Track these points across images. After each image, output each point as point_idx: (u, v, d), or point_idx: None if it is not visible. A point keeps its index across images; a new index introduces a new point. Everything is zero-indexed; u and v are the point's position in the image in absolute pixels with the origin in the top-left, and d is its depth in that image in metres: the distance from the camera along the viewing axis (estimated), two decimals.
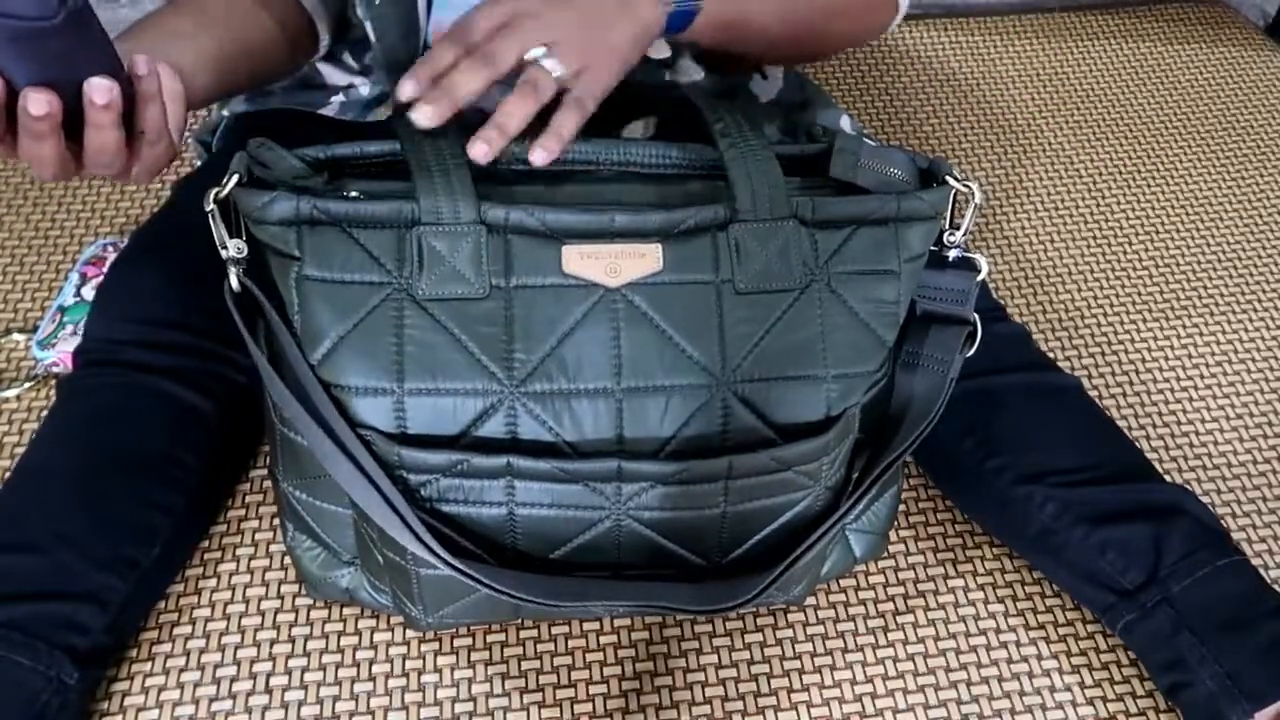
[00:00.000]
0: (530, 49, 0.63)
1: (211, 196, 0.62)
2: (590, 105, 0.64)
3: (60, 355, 0.94)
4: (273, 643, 0.80)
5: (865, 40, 0.87)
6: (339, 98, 0.87)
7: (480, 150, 0.62)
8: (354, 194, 0.63)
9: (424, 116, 0.62)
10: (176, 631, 0.81)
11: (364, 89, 0.86)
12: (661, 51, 0.70)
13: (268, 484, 0.90)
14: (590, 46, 0.64)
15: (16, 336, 1.00)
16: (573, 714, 0.78)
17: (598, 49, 0.64)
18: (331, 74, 0.88)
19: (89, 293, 0.96)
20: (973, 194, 0.68)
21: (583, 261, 0.64)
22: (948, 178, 0.69)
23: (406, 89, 0.62)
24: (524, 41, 0.63)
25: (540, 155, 0.63)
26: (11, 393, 0.95)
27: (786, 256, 0.66)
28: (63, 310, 0.97)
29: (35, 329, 0.99)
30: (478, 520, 0.66)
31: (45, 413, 0.81)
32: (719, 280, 0.65)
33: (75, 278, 0.99)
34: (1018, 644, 0.83)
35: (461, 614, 0.73)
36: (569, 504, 0.65)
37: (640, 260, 0.64)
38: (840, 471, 0.69)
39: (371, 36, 0.81)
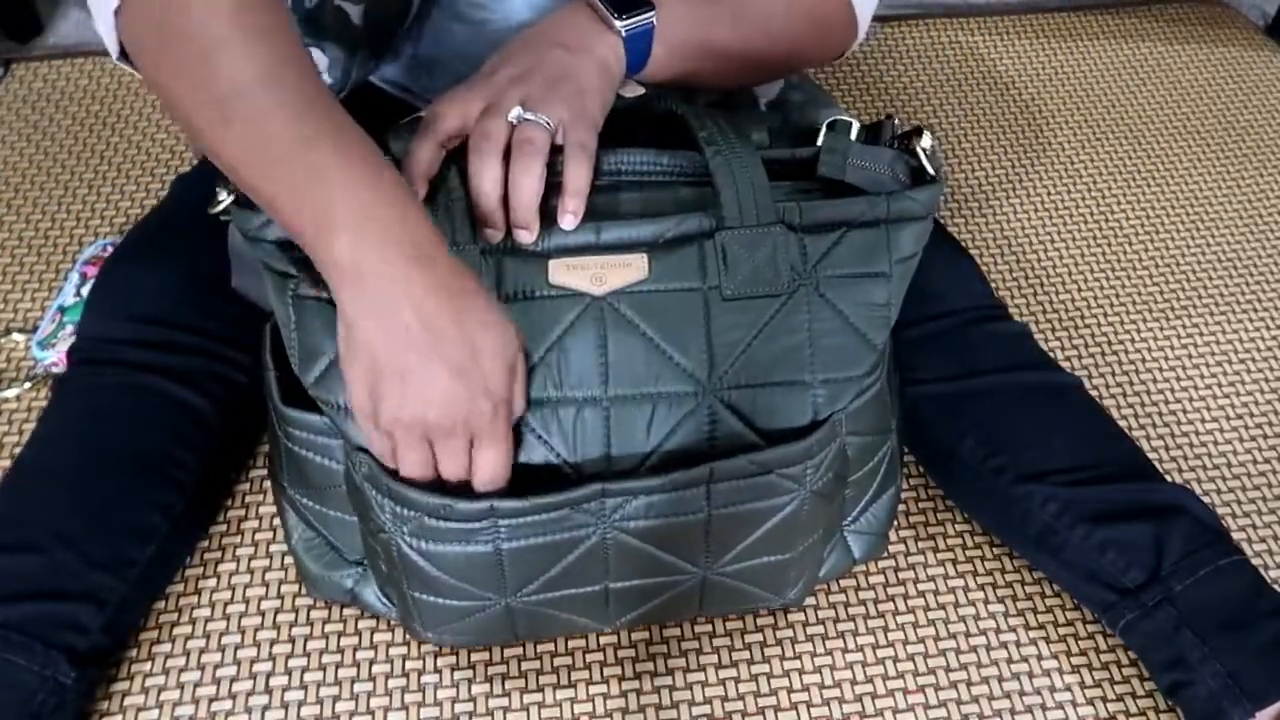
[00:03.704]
0: (510, 112, 0.63)
1: (211, 211, 0.63)
2: (590, 146, 0.64)
3: (60, 355, 0.94)
4: (273, 643, 0.80)
5: (822, 63, 0.87)
6: None
7: (525, 237, 0.63)
8: None
9: (492, 236, 0.63)
10: (176, 631, 0.81)
11: (326, 78, 0.85)
12: (634, 90, 0.71)
13: (268, 484, 0.90)
14: (562, 97, 0.64)
15: (16, 336, 0.99)
16: (573, 714, 0.78)
17: (569, 97, 0.65)
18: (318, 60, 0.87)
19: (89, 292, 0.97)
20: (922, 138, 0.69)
21: (568, 273, 0.64)
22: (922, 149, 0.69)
23: None
24: (502, 110, 0.63)
25: (569, 220, 0.64)
26: (11, 393, 0.95)
27: (774, 262, 0.66)
28: (63, 310, 0.97)
29: (35, 329, 0.99)
30: (464, 558, 0.66)
31: (43, 412, 0.81)
32: (706, 287, 0.65)
33: (75, 277, 0.99)
34: (1018, 644, 0.83)
35: (460, 633, 0.73)
36: (554, 531, 0.65)
37: (625, 269, 0.64)
38: (828, 475, 0.69)
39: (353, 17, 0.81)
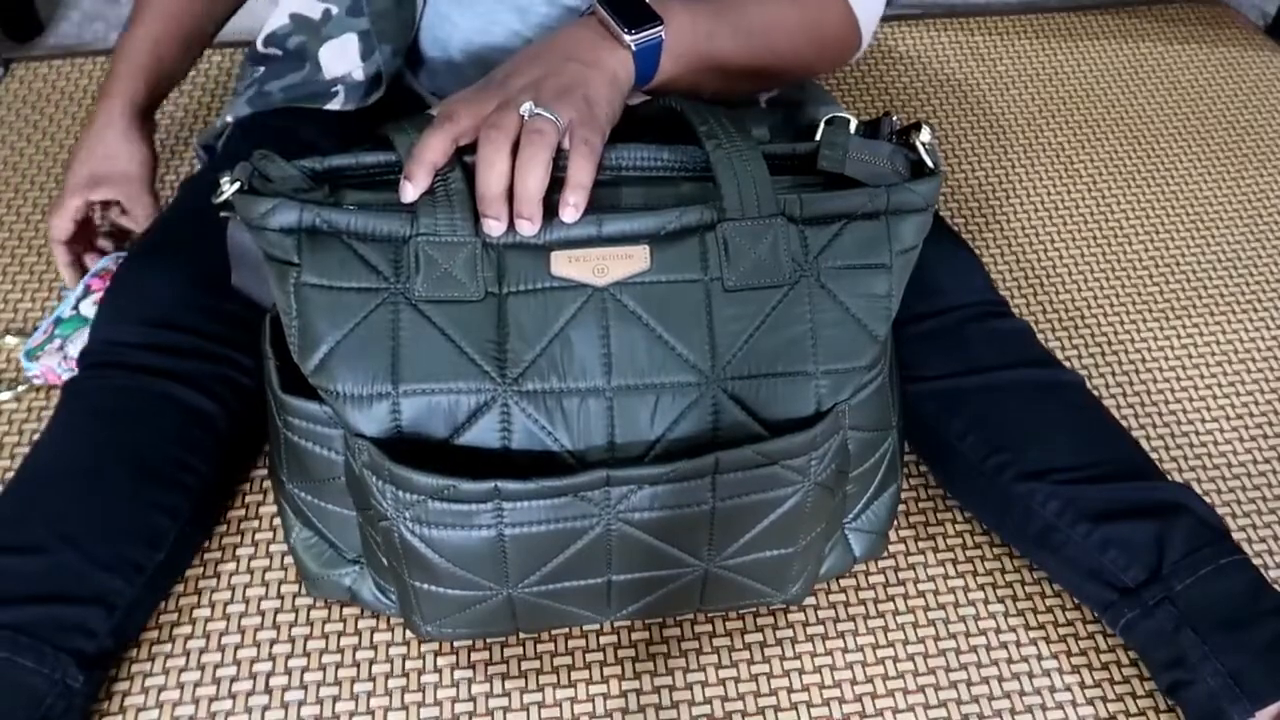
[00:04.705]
0: (522, 106, 0.64)
1: (215, 200, 0.63)
2: (596, 146, 0.65)
3: (44, 369, 0.93)
4: (273, 643, 0.80)
5: (824, 73, 0.89)
6: (340, 89, 0.88)
7: (527, 228, 0.63)
8: (351, 206, 0.64)
9: (494, 228, 0.63)
10: (177, 631, 0.81)
11: (357, 74, 0.87)
12: (639, 99, 0.73)
13: (268, 484, 0.90)
14: (571, 102, 0.65)
15: (11, 340, 0.99)
16: (573, 714, 0.78)
17: (578, 102, 0.66)
18: (331, 65, 0.88)
19: (87, 307, 0.94)
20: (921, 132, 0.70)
21: (570, 264, 0.64)
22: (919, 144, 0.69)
23: (408, 191, 0.63)
24: (514, 105, 0.64)
25: (570, 213, 0.64)
26: (8, 395, 0.95)
27: (775, 253, 0.66)
28: (59, 322, 0.95)
29: (33, 332, 0.98)
30: (466, 545, 0.66)
31: (47, 414, 0.81)
32: (708, 279, 0.66)
33: (80, 289, 0.98)
34: (1018, 644, 0.83)
35: (460, 625, 0.73)
36: (558, 518, 0.65)
37: (627, 261, 0.65)
38: (831, 467, 0.70)
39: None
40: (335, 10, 0.88)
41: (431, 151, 0.63)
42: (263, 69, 0.92)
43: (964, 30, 1.43)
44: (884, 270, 0.68)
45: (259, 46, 0.93)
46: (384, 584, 0.75)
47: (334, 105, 0.88)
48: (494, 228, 0.63)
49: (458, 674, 0.79)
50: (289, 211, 0.62)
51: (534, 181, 0.62)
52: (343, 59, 0.88)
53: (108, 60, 1.30)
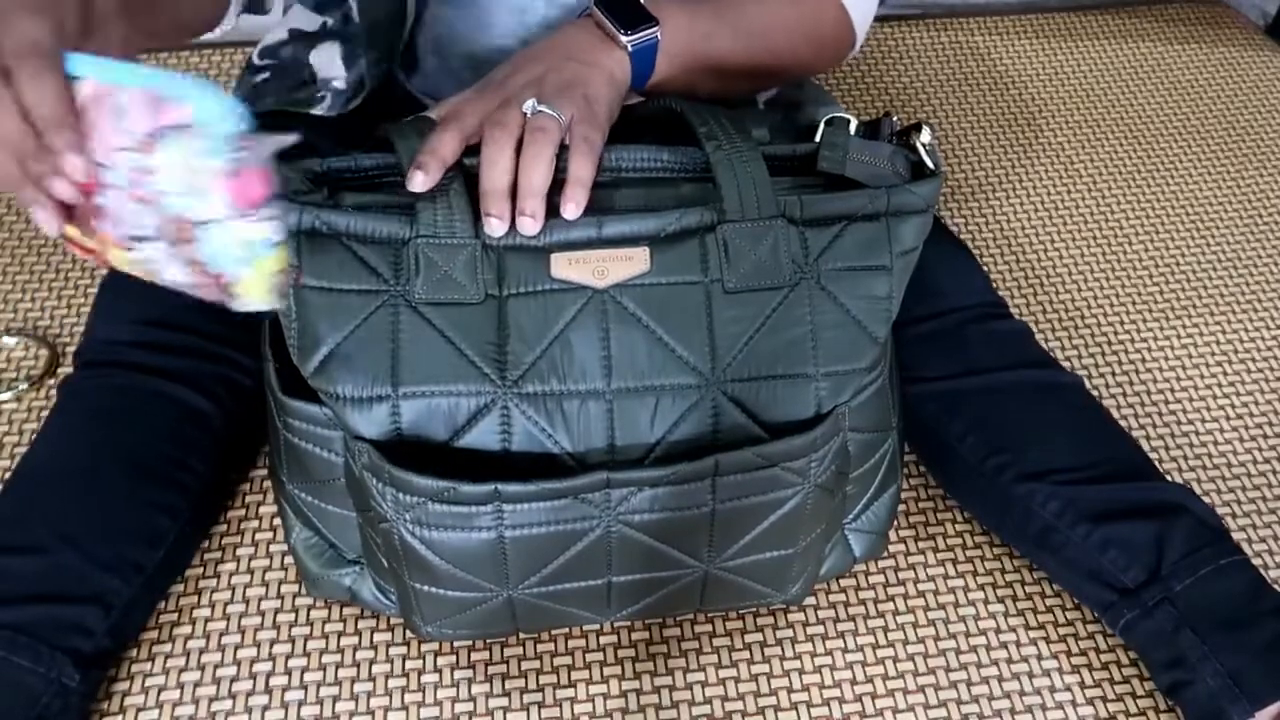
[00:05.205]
0: (525, 103, 0.65)
1: None
2: (596, 143, 0.65)
3: None
4: (273, 643, 0.81)
5: (820, 72, 0.90)
6: (325, 94, 0.88)
7: (529, 225, 0.63)
8: (350, 207, 0.64)
9: (496, 227, 0.63)
10: (176, 631, 0.81)
11: (339, 82, 0.87)
12: (634, 99, 0.73)
13: (268, 484, 0.90)
14: (572, 99, 0.66)
15: (10, 340, 0.99)
16: (573, 714, 0.78)
17: (578, 100, 0.66)
18: (319, 70, 0.88)
19: None
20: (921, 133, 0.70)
21: (570, 266, 0.64)
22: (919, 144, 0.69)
23: (418, 180, 0.63)
24: (517, 103, 0.65)
25: (571, 210, 0.64)
26: (8, 395, 0.95)
27: (776, 256, 0.66)
28: None
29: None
30: (466, 547, 0.66)
31: (45, 414, 0.81)
32: (708, 281, 0.66)
33: None
34: (1018, 644, 0.83)
35: (460, 625, 0.73)
36: (558, 520, 0.65)
37: (627, 263, 0.65)
38: (831, 469, 0.70)
39: (354, 14, 0.83)
40: (330, 24, 0.88)
41: (444, 146, 0.64)
42: (259, 76, 0.93)
43: (964, 30, 1.43)
44: (884, 272, 0.68)
45: (255, 59, 0.93)
46: (384, 584, 0.75)
47: (319, 110, 0.88)
48: (496, 227, 0.63)
49: (458, 674, 0.79)
50: (288, 213, 0.62)
51: (538, 177, 0.63)
52: (329, 65, 0.88)
53: None
